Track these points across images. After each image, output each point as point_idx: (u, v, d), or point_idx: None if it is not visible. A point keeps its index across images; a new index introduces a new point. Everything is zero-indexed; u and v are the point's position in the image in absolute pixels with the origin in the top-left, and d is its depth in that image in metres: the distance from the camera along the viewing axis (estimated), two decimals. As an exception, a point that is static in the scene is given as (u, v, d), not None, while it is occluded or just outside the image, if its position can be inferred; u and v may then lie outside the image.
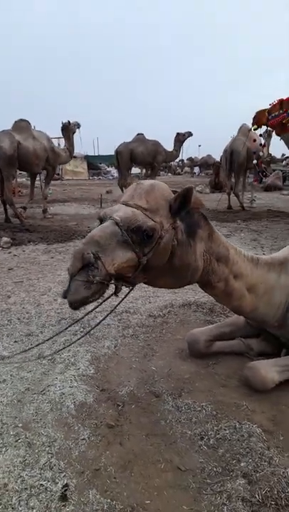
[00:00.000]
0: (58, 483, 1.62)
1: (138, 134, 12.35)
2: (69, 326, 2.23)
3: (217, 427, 1.94)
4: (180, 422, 2.01)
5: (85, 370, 2.48)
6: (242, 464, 1.70)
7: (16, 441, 1.86)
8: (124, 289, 1.83)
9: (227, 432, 1.90)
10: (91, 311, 1.99)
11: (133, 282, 1.79)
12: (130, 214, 1.68)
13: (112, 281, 1.68)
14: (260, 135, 6.20)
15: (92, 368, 2.51)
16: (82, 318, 2.10)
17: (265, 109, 5.80)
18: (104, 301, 1.83)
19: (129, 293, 2.26)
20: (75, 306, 1.62)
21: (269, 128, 6.02)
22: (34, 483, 1.61)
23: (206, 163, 30.13)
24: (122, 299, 2.29)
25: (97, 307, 1.95)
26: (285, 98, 5.63)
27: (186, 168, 35.71)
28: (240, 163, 9.54)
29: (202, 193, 14.61)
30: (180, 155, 14.48)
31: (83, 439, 1.87)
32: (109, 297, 1.80)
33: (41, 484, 1.61)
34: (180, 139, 12.46)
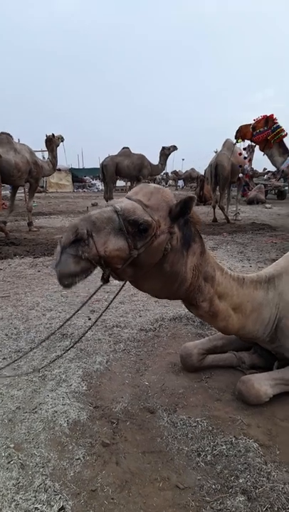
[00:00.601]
0: (53, 505, 1.57)
1: (124, 148, 12.46)
2: (50, 335, 2.20)
3: (213, 442, 1.93)
4: (176, 438, 1.98)
5: (77, 386, 2.44)
6: (240, 480, 1.68)
7: (8, 462, 1.80)
8: (111, 295, 1.81)
9: (224, 447, 1.88)
10: (71, 317, 1.98)
11: (120, 275, 1.79)
12: (130, 206, 1.72)
13: (101, 264, 1.67)
14: (244, 149, 6.30)
15: (84, 385, 2.46)
16: (62, 326, 2.08)
17: (250, 124, 5.92)
18: (92, 295, 1.92)
19: (119, 291, 2.23)
20: (65, 282, 1.61)
21: (253, 143, 6.15)
22: (29, 507, 1.56)
23: (189, 177, 30.53)
24: (113, 298, 2.25)
25: (81, 307, 1.93)
26: (269, 115, 5.77)
27: (170, 181, 36.08)
28: (225, 177, 9.69)
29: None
30: (165, 168, 14.63)
31: (78, 459, 1.82)
32: (99, 288, 1.86)
33: (36, 508, 1.55)
34: (165, 152, 12.63)
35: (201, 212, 12.74)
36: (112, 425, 2.08)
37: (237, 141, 6.01)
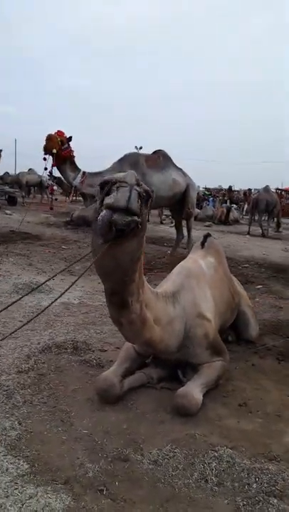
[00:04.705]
0: None
1: None
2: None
3: (204, 463, 1.98)
4: (173, 475, 1.91)
5: (16, 468, 1.86)
6: (255, 486, 1.85)
7: None
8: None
9: (216, 464, 1.98)
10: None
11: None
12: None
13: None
14: (45, 159, 5.98)
15: (22, 462, 1.91)
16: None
17: (56, 136, 5.76)
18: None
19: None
20: (125, 221, 1.76)
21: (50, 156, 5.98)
22: None
23: None
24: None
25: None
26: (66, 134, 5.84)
27: None
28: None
29: None
30: None
31: None
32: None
33: None
34: None
35: None
36: (104, 493, 1.77)
37: (53, 151, 5.70)
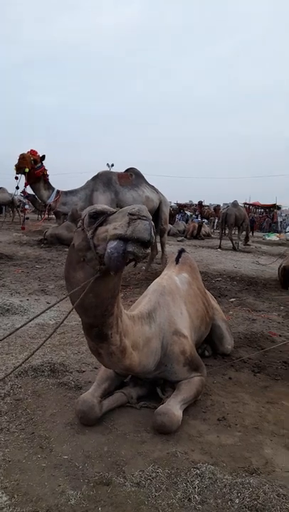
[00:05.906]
0: None
1: None
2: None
3: (187, 482, 1.98)
4: (155, 496, 1.89)
5: (-5, 500, 1.80)
6: (237, 501, 1.86)
7: None
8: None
9: (198, 482, 1.98)
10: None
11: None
12: None
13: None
14: (17, 178, 5.89)
15: (1, 494, 1.85)
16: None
17: (29, 156, 5.71)
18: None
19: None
20: (144, 253, 1.79)
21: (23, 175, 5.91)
22: None
23: None
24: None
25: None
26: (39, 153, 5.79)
27: None
28: None
29: None
30: None
31: None
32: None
33: None
34: None
35: None
36: (88, 520, 1.73)
37: (25, 170, 5.62)
